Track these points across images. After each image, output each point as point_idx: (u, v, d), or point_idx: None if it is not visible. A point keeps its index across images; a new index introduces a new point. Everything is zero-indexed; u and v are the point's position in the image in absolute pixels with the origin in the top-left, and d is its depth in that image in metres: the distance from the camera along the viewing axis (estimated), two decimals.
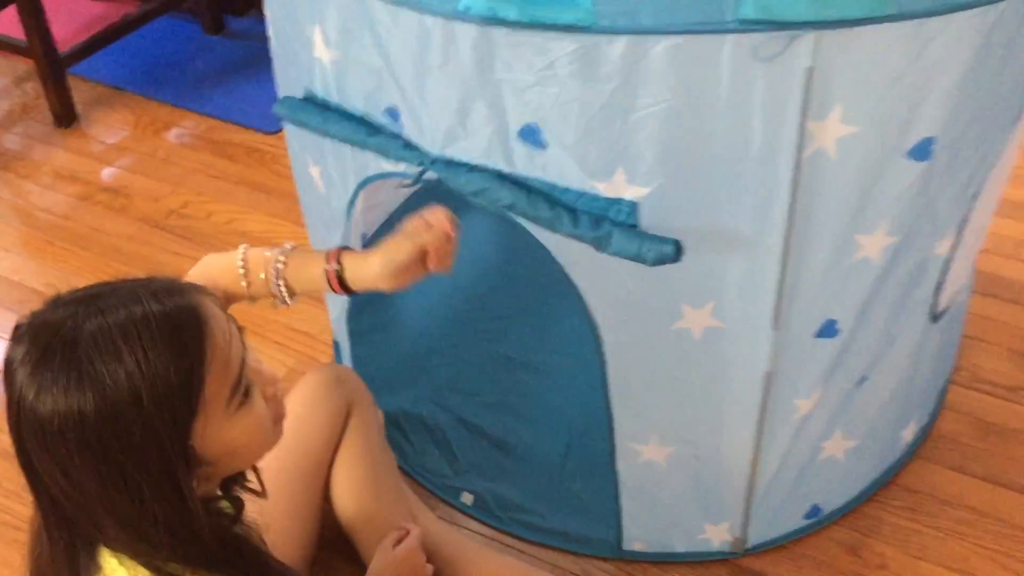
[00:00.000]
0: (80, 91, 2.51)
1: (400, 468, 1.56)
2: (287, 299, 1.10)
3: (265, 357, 1.85)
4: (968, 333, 1.70)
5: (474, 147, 1.08)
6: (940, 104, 0.99)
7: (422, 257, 1.07)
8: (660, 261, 1.04)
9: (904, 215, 1.08)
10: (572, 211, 1.06)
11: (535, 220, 1.08)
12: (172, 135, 2.38)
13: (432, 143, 1.11)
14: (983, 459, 1.55)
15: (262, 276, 1.09)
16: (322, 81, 1.21)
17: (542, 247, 1.11)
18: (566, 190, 1.06)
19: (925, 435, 1.57)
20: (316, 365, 1.75)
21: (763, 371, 1.18)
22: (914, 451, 1.55)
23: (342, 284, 1.09)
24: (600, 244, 1.05)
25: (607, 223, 1.04)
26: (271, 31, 1.31)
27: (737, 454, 1.28)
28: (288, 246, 1.11)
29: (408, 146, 1.14)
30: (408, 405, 1.65)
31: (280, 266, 1.08)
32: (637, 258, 1.04)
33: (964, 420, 1.61)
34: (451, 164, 1.11)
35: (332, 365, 1.58)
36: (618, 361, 1.21)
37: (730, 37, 0.92)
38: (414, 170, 1.14)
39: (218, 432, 0.86)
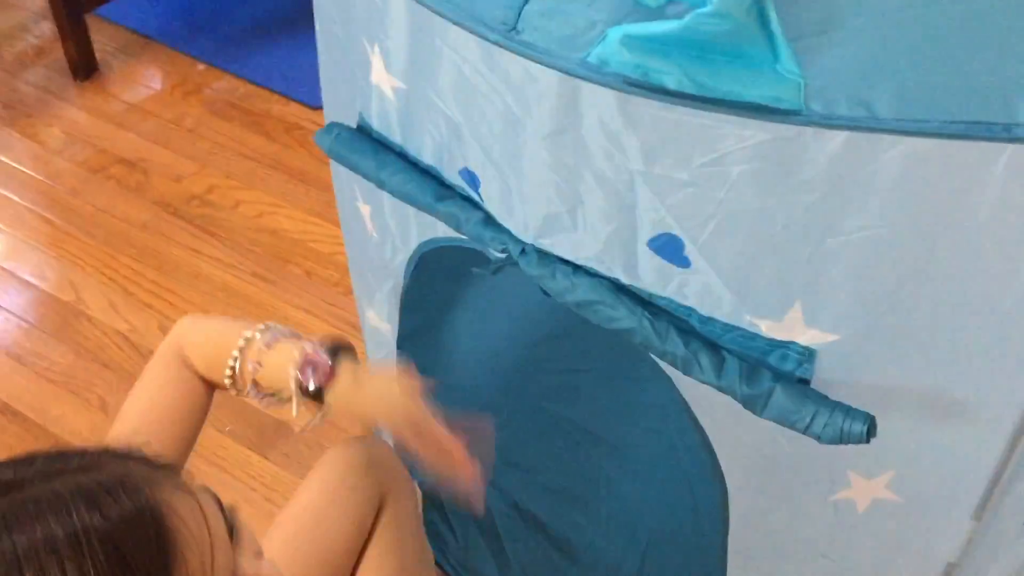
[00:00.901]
0: (104, 36, 2.19)
1: (438, 565, 1.27)
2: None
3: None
4: None
5: (584, 245, 0.76)
6: None
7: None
8: (841, 441, 0.72)
9: None
10: (715, 351, 0.74)
11: (660, 356, 0.76)
12: (203, 99, 2.06)
13: (523, 227, 0.79)
14: None
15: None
16: (380, 112, 0.89)
17: None
18: (709, 320, 0.74)
19: None
20: (345, 436, 1.45)
21: (945, 561, 0.87)
22: None
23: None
24: (754, 404, 0.73)
25: (767, 376, 0.72)
26: (317, 26, 0.99)
27: None
28: (310, 346, 0.83)
29: (490, 222, 0.82)
30: None
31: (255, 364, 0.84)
32: (807, 432, 0.72)
33: None
34: (548, 258, 0.79)
35: (364, 441, 1.28)
36: (746, 521, 0.90)
37: (1011, 148, 0.59)
38: (497, 254, 0.83)
39: None
